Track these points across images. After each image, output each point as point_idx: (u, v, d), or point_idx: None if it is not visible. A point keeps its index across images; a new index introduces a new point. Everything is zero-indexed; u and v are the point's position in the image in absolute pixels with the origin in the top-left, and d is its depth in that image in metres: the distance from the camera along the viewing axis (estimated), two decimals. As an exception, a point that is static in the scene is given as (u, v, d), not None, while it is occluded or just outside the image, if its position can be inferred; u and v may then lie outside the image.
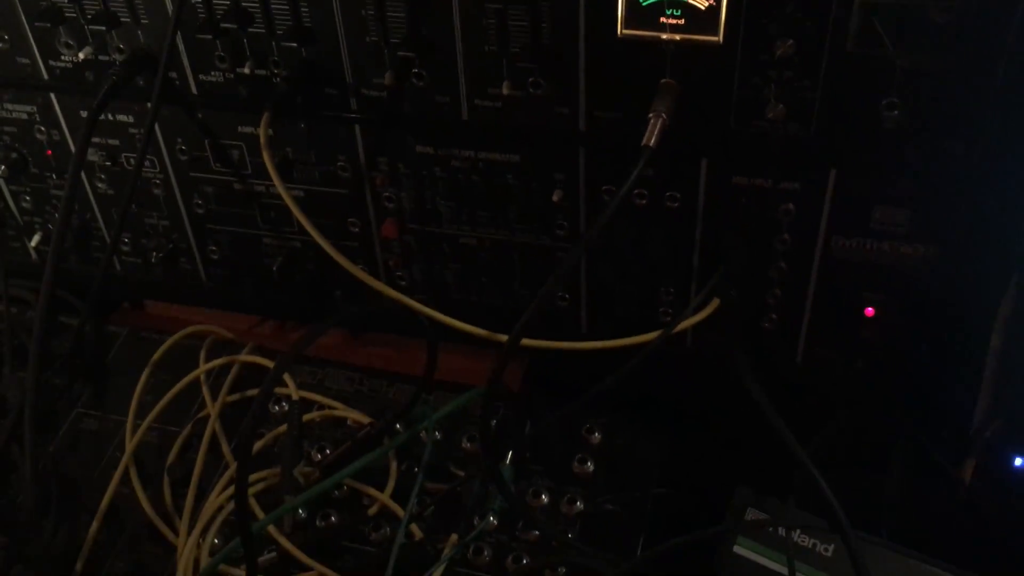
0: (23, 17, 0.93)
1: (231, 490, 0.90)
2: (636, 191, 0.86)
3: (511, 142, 0.88)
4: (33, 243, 1.11)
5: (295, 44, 0.86)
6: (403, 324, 0.91)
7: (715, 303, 0.85)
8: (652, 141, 0.74)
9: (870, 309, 0.85)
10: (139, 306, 1.17)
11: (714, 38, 0.75)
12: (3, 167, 1.04)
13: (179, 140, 0.98)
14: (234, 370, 1.01)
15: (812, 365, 0.92)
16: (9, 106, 1.01)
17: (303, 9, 0.85)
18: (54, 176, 1.05)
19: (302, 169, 0.96)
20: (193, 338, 1.05)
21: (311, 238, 0.91)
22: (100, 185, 1.04)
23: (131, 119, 0.98)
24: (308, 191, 0.97)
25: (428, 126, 0.89)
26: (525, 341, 0.79)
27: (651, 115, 0.76)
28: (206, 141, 0.97)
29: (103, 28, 0.90)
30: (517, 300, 0.98)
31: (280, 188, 0.90)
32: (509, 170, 0.90)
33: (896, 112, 0.75)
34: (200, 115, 0.95)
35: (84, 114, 0.99)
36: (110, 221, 1.07)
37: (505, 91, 0.83)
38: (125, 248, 1.08)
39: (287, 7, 0.85)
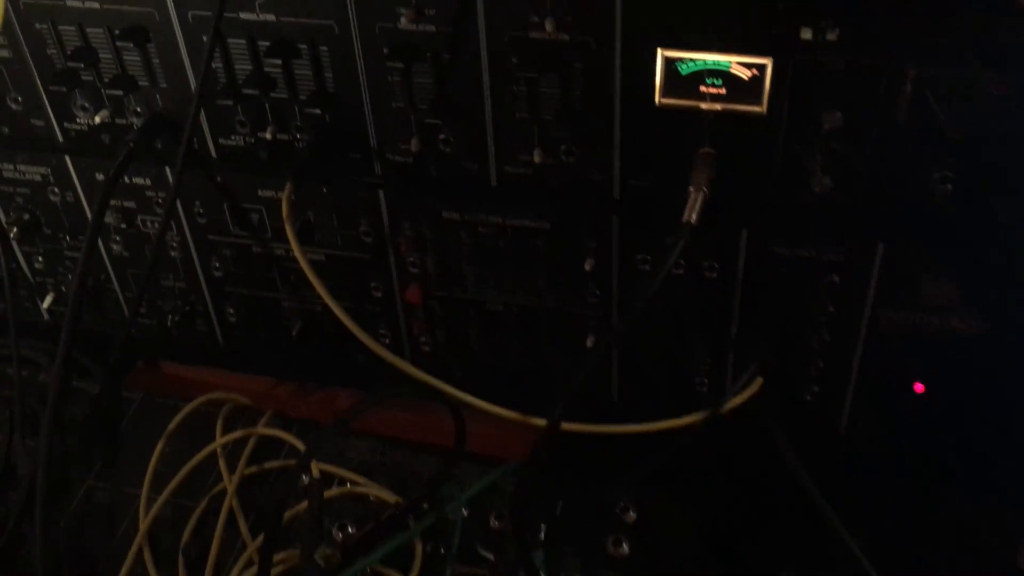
0: (37, 79, 0.91)
1: (249, 572, 0.87)
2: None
3: (542, 209, 0.85)
4: (45, 304, 1.08)
5: (318, 110, 0.83)
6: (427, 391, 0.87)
7: (758, 382, 0.81)
8: (693, 217, 0.71)
9: (919, 384, 0.82)
10: (154, 366, 1.14)
11: (758, 108, 0.72)
12: (16, 229, 1.01)
13: (197, 203, 0.95)
14: (252, 442, 0.98)
15: (857, 439, 0.88)
16: (23, 167, 0.99)
17: (327, 75, 0.82)
18: (67, 238, 1.02)
19: (324, 232, 0.93)
20: (209, 405, 1.02)
21: (331, 302, 0.88)
22: (115, 247, 1.01)
23: (148, 182, 0.95)
24: (329, 255, 0.94)
25: (455, 192, 0.86)
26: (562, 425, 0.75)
27: (691, 188, 0.73)
28: (225, 204, 0.94)
29: (120, 92, 0.88)
30: (545, 367, 0.94)
31: (299, 256, 0.87)
32: (539, 237, 0.86)
33: (948, 185, 0.71)
34: (219, 178, 0.92)
35: (99, 176, 0.96)
36: (125, 282, 1.04)
37: (536, 159, 0.80)
38: (141, 310, 1.05)
39: (310, 73, 0.82)
